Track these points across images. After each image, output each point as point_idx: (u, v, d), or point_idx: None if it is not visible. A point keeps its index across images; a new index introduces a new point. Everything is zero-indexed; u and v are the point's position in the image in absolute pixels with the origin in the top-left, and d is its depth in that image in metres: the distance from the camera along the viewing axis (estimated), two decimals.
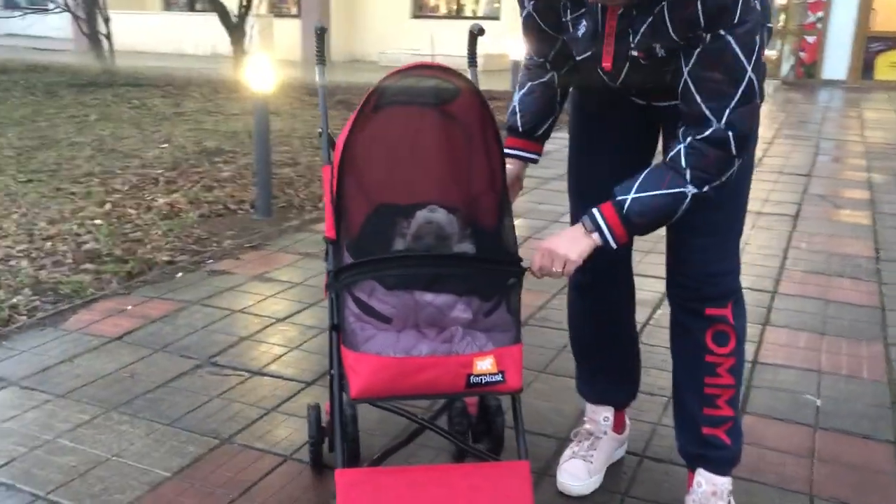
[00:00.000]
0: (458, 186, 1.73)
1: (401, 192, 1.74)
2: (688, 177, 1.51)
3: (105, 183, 5.11)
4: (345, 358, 1.55)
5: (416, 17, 16.43)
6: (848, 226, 4.41)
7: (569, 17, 1.58)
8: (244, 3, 10.98)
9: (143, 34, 16.81)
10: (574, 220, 1.87)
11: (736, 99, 1.45)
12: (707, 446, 1.77)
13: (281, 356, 2.64)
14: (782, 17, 13.76)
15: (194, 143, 6.49)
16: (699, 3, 1.39)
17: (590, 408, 2.02)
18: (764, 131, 7.85)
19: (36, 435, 2.13)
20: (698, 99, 1.48)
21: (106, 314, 2.99)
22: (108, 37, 11.42)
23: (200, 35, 16.24)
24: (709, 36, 1.42)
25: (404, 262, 1.63)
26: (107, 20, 11.37)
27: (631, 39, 1.50)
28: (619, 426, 2.01)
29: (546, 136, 1.86)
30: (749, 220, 4.44)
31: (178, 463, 2.01)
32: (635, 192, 1.54)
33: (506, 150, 1.79)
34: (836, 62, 12.58)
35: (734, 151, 1.49)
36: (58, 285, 3.24)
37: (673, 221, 1.58)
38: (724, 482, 1.79)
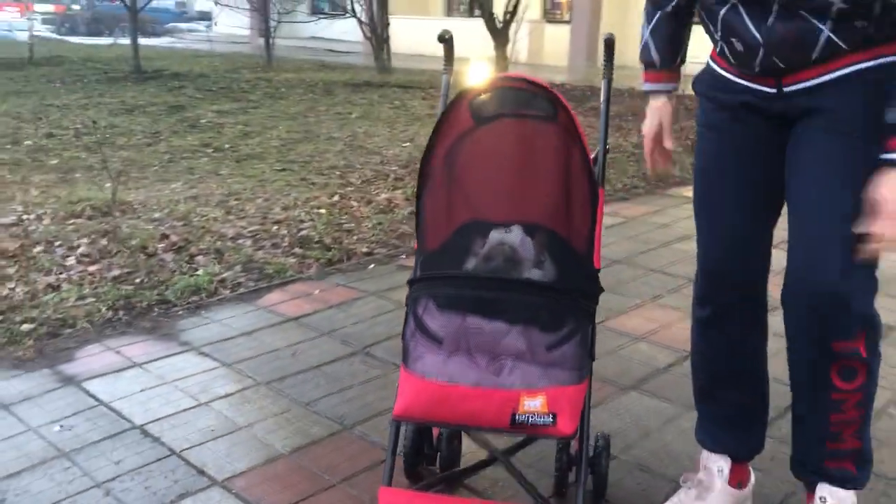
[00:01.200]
0: (551, 206, 1.66)
1: (495, 208, 1.70)
2: None
3: (343, 176, 5.54)
4: (401, 373, 1.56)
5: None
6: None
7: None
8: (510, 8, 11.29)
9: (424, 38, 17.95)
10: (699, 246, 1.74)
11: None
12: (830, 478, 1.62)
13: None
14: None
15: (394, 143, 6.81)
16: None
17: (704, 454, 1.83)
18: None
19: (193, 396, 2.38)
20: None
21: (295, 296, 3.25)
22: (387, 40, 12.32)
23: (476, 40, 16.97)
24: None
25: (461, 283, 1.60)
26: (386, 25, 12.27)
27: None
28: (736, 479, 1.80)
29: (683, 62, 1.80)
30: None
31: (297, 441, 2.14)
32: None
33: (649, 86, 1.80)
34: None
35: None
36: (265, 265, 3.58)
37: None
38: (849, 495, 1.63)
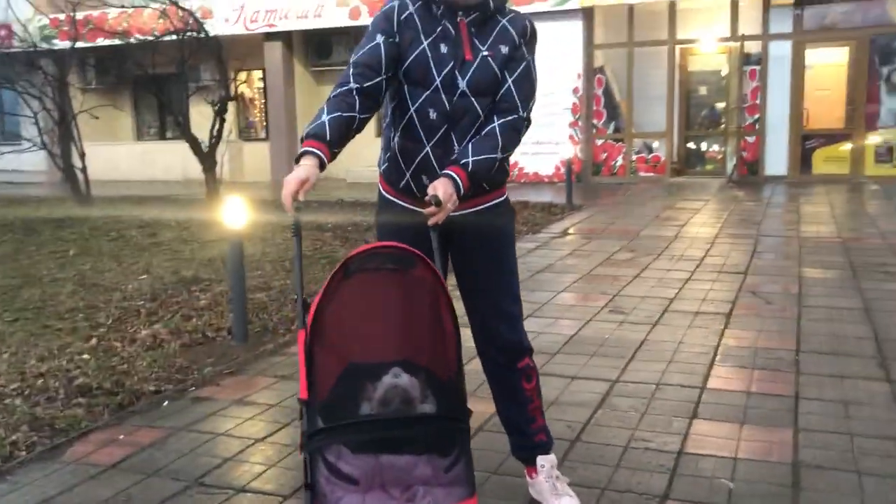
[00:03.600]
0: (420, 345, 1.96)
1: (370, 352, 1.94)
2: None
3: (89, 318, 5.43)
4: None
5: (380, 135, 17.20)
6: (775, 321, 4.85)
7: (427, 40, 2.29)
8: (215, 133, 11.60)
9: (115, 163, 17.44)
10: None
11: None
12: (541, 448, 2.60)
13: (261, 473, 2.95)
14: (718, 120, 14.74)
15: (172, 272, 6.87)
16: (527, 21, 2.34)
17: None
18: (708, 230, 8.43)
19: None
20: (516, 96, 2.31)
21: (100, 445, 3.29)
22: (84, 170, 11.92)
23: (171, 161, 16.88)
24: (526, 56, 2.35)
25: (370, 428, 1.84)
26: (82, 155, 11.89)
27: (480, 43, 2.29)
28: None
29: (335, 154, 2.20)
30: (686, 320, 4.87)
31: None
32: (472, 155, 2.23)
33: (312, 149, 2.11)
34: (776, 159, 13.40)
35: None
36: (53, 420, 3.53)
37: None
38: (553, 458, 2.60)
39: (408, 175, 2.37)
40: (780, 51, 13.32)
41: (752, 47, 13.47)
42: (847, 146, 13.20)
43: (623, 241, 7.92)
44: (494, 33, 2.34)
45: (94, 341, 4.82)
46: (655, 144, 14.51)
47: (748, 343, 4.39)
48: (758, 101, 13.53)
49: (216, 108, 11.45)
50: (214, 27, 14.39)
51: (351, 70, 2.27)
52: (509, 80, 2.34)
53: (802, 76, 13.28)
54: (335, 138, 2.15)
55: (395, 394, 1.86)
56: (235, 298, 4.70)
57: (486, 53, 2.32)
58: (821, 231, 8.25)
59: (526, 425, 2.59)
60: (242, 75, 15.05)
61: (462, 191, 2.19)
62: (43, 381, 4.10)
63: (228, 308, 5.34)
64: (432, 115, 2.31)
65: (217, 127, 11.70)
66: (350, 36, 16.25)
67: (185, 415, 3.59)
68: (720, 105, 14.81)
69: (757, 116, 13.55)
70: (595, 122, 14.69)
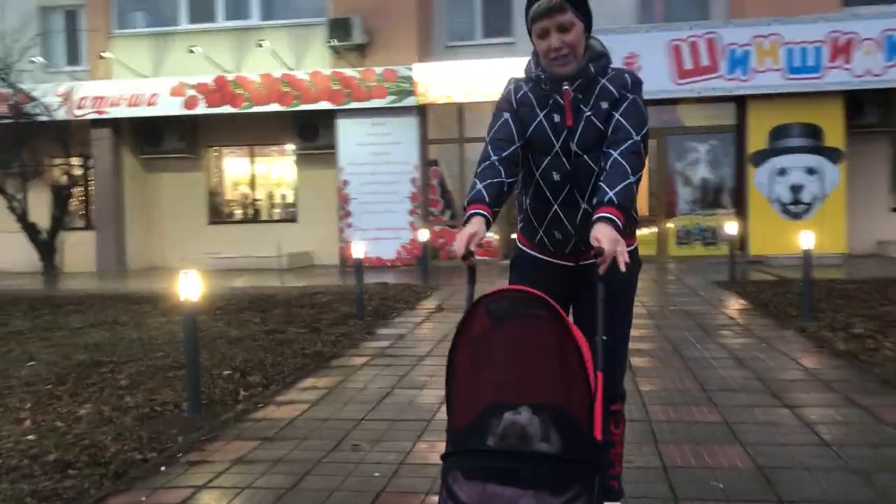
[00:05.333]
0: (548, 387, 2.02)
1: (503, 393, 2.04)
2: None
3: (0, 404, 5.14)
4: None
5: (212, 223, 17.05)
6: (672, 369, 5.62)
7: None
8: (52, 224, 11.11)
9: None
10: None
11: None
12: (609, 490, 2.75)
13: None
14: None
15: (62, 357, 6.57)
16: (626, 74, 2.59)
17: None
18: None
19: None
20: (626, 124, 2.51)
21: None
22: None
23: (18, 253, 15.63)
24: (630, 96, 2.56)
25: (481, 457, 1.95)
26: None
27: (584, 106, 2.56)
28: None
29: (496, 213, 2.50)
30: None
31: None
32: (611, 190, 2.39)
33: (475, 210, 2.42)
34: None
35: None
36: (55, 493, 3.45)
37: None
38: None
39: (541, 231, 2.69)
40: None
41: None
42: (654, 230, 15.00)
43: None
44: (595, 93, 2.59)
45: (27, 423, 4.61)
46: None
47: (663, 386, 5.11)
48: None
49: (61, 193, 11.00)
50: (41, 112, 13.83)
51: (489, 147, 2.63)
52: (617, 115, 2.54)
53: None
54: (493, 199, 2.49)
55: (513, 430, 1.95)
56: (190, 371, 4.73)
57: (588, 114, 2.57)
58: (658, 301, 9.40)
59: (605, 468, 2.66)
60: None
61: (621, 225, 2.34)
62: (2, 460, 3.93)
63: (164, 382, 5.31)
64: (556, 177, 2.62)
65: (56, 214, 11.22)
66: (185, 125, 16.19)
67: (194, 476, 3.64)
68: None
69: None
70: (432, 209, 15.59)
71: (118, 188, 16.29)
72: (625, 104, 2.57)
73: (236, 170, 17.44)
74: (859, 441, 3.87)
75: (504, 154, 2.59)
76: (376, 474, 3.58)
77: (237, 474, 3.64)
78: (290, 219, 16.77)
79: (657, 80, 13.65)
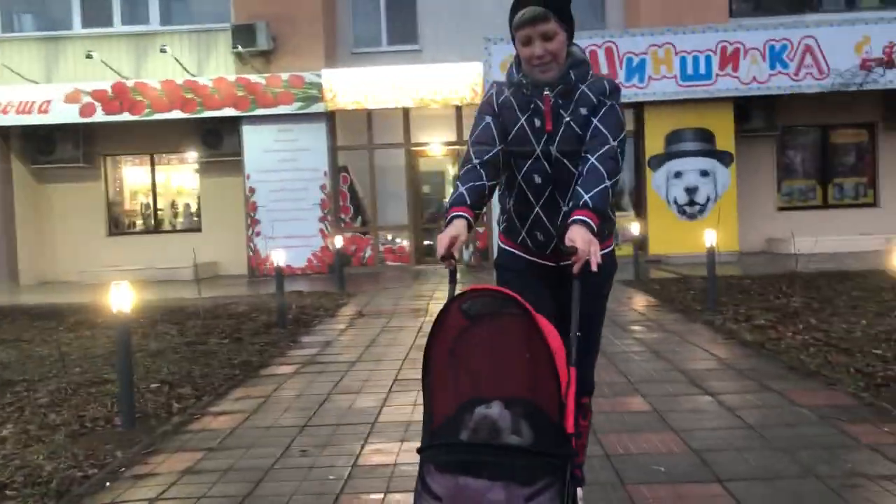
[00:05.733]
0: (520, 382, 2.11)
1: (480, 388, 2.12)
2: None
3: None
4: None
5: (112, 234, 16.44)
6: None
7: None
8: None
9: None
10: None
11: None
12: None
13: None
14: None
15: None
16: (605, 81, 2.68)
17: None
18: None
19: None
20: (604, 130, 2.61)
21: None
22: None
23: None
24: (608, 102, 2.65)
25: (452, 450, 2.03)
26: None
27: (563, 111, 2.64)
28: None
29: (478, 215, 2.62)
30: None
31: None
32: (587, 194, 2.49)
33: (457, 213, 2.51)
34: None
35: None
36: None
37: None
38: (580, 492, 2.87)
39: (523, 233, 2.78)
40: None
41: None
42: None
43: (419, 315, 8.69)
44: (575, 99, 2.68)
45: None
46: (397, 242, 15.70)
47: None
48: None
49: None
50: None
51: (471, 150, 2.71)
52: (595, 120, 2.65)
53: None
54: (474, 202, 2.59)
55: (485, 424, 2.03)
56: (123, 386, 4.62)
57: (567, 119, 2.67)
58: None
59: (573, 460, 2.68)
60: None
61: (595, 227, 2.44)
62: None
63: (88, 399, 5.17)
64: (537, 179, 2.70)
65: None
66: (80, 133, 15.57)
67: (143, 490, 3.57)
68: (447, 201, 16.46)
69: (484, 210, 15.33)
70: (343, 216, 15.55)
71: (7, 199, 15.51)
72: (603, 110, 2.66)
73: (136, 179, 16.88)
74: (778, 423, 4.18)
75: (485, 158, 2.67)
76: (331, 477, 3.61)
77: (188, 485, 3.61)
78: (195, 228, 16.36)
79: None
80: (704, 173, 14.66)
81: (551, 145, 2.68)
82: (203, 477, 3.70)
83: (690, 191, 14.72)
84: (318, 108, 14.84)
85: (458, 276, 2.53)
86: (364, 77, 14.81)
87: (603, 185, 2.53)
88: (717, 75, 14.21)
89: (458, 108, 15.23)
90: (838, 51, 14.03)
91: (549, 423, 2.05)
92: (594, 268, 2.38)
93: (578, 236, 2.40)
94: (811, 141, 16.08)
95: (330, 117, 15.22)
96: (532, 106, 2.70)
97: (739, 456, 3.68)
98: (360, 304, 10.11)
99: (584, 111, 2.67)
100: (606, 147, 2.60)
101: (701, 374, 5.36)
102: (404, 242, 15.66)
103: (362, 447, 4.06)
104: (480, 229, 15.23)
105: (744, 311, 7.88)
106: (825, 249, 13.82)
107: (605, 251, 2.72)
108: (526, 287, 2.55)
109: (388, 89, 14.69)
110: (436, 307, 9.43)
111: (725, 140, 14.58)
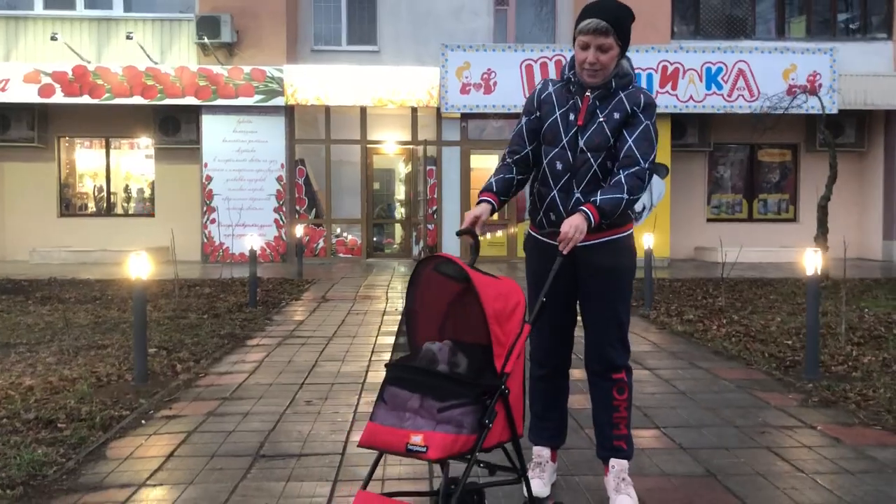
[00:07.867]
0: (465, 329, 2.62)
1: (444, 332, 2.66)
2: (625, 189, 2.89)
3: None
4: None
5: (63, 216, 16.57)
6: None
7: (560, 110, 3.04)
8: None
9: None
10: None
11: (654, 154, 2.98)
12: (616, 452, 3.13)
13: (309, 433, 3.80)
14: (404, 210, 17.04)
15: None
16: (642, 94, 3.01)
17: (536, 449, 3.31)
18: None
19: None
20: (636, 151, 2.93)
21: (140, 445, 3.80)
22: None
23: None
24: (642, 117, 2.96)
25: (394, 370, 2.57)
26: None
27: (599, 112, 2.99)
28: (553, 458, 3.32)
29: (503, 203, 3.09)
30: None
31: None
32: (601, 196, 2.87)
33: (483, 198, 3.01)
34: (452, 243, 15.94)
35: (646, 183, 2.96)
36: (57, 443, 3.88)
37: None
38: (626, 463, 3.15)
39: (541, 213, 3.12)
40: (452, 154, 16.11)
41: (430, 150, 16.08)
42: (502, 234, 16.29)
43: (380, 301, 9.36)
44: (612, 104, 3.00)
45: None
46: (347, 235, 16.30)
47: None
48: (436, 196, 16.10)
49: None
50: None
51: (507, 149, 3.20)
52: (630, 140, 2.95)
53: (469, 176, 16.17)
54: (501, 190, 3.09)
55: (427, 355, 2.58)
56: (138, 343, 5.18)
57: (601, 119, 2.98)
58: None
59: (609, 430, 3.10)
60: None
61: (593, 222, 2.82)
62: None
63: (95, 359, 5.69)
64: (559, 166, 3.03)
65: None
66: (35, 112, 15.68)
67: (179, 425, 4.18)
68: (399, 198, 17.17)
69: (435, 208, 16.09)
70: (297, 208, 16.07)
71: None
72: (639, 129, 2.97)
73: (90, 162, 17.02)
74: (705, 390, 5.03)
75: (515, 157, 3.17)
76: (339, 419, 4.29)
77: (218, 422, 4.23)
78: (148, 213, 16.63)
79: (512, 95, 15.00)
80: None
81: (580, 138, 3.01)
82: (227, 418, 4.33)
83: None
84: (278, 101, 15.33)
85: (477, 248, 2.99)
86: (325, 75, 15.37)
87: (619, 195, 2.89)
88: (658, 92, 15.25)
89: (415, 110, 15.92)
90: (768, 76, 15.24)
91: (487, 364, 2.50)
92: (564, 251, 2.80)
93: (570, 221, 2.82)
94: (740, 158, 17.35)
95: (289, 111, 15.72)
96: (571, 102, 3.06)
97: (673, 412, 4.50)
98: (322, 291, 10.71)
99: (616, 115, 2.99)
100: (636, 168, 2.94)
101: (640, 355, 6.19)
102: (356, 236, 16.27)
103: (359, 399, 4.74)
104: (431, 225, 15.96)
105: (675, 308, 8.81)
106: (749, 259, 14.96)
107: (617, 237, 3.06)
108: (539, 281, 3.04)
109: (349, 88, 15.29)
110: (394, 296, 10.12)
111: (662, 153, 15.62)
